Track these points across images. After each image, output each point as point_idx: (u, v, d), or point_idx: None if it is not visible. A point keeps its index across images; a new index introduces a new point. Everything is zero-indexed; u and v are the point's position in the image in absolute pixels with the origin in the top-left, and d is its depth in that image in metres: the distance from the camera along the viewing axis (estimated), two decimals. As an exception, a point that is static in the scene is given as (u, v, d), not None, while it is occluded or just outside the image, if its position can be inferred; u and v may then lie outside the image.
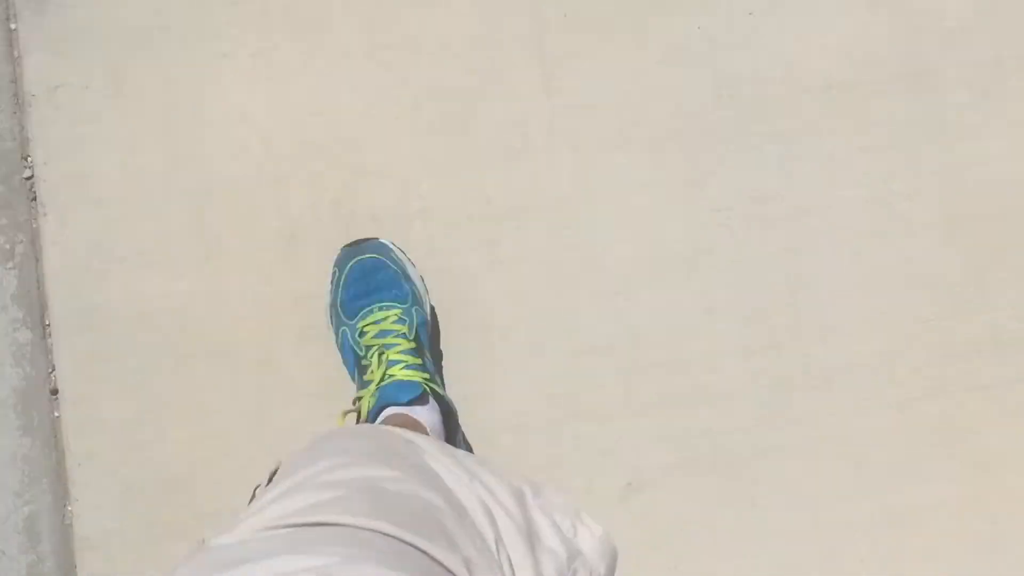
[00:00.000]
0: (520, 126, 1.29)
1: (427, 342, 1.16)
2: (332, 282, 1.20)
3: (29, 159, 1.25)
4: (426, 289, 1.23)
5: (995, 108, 1.31)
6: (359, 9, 1.31)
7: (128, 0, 1.29)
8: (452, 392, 1.16)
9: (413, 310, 1.15)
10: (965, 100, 1.31)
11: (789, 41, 1.32)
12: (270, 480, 0.80)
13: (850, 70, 1.32)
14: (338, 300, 1.17)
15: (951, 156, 1.30)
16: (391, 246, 1.21)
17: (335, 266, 1.20)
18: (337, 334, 1.17)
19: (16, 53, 1.28)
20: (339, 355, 1.18)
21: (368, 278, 1.16)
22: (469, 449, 1.21)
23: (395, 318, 1.13)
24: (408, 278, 1.19)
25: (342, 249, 1.21)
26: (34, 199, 1.25)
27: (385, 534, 0.66)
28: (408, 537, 0.66)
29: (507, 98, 1.30)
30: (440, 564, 0.66)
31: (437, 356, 1.23)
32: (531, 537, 0.76)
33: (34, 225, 1.25)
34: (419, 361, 1.11)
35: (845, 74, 1.32)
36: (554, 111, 1.30)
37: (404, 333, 1.12)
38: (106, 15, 1.29)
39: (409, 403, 1.07)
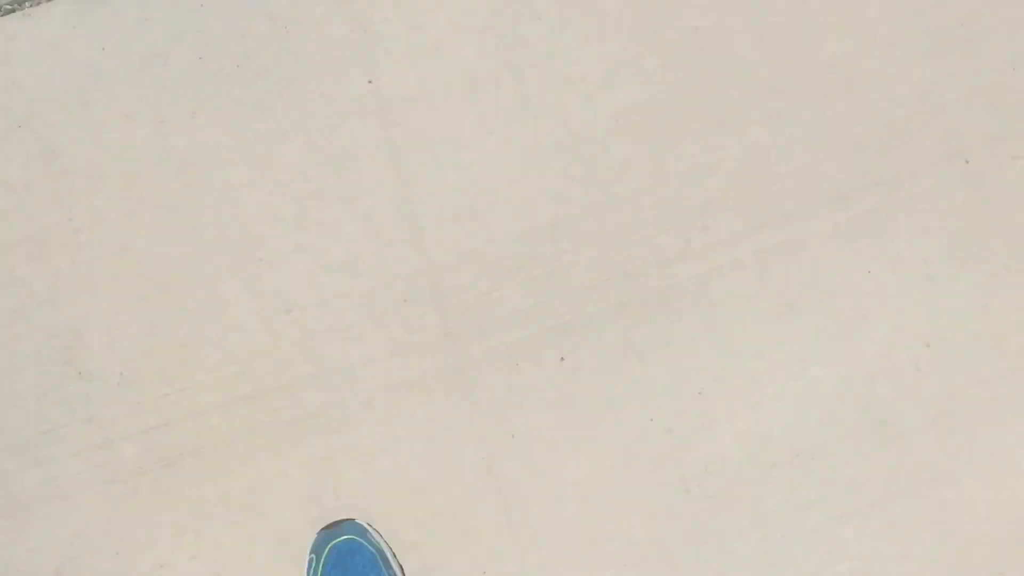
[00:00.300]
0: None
1: None
2: (309, 571, 1.16)
3: None
4: (404, 573, 1.19)
5: (960, 444, 1.29)
6: (298, 482, 1.22)
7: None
8: None
9: None
10: (931, 441, 1.28)
11: (746, 413, 1.28)
12: None
13: (812, 433, 1.28)
14: None
15: (930, 504, 1.27)
16: (368, 528, 1.18)
17: (311, 552, 1.16)
18: None
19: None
20: None
21: (345, 562, 1.14)
22: None
23: None
24: (386, 562, 1.16)
25: (318, 533, 1.17)
26: None
27: None
28: None
29: (468, 540, 1.22)
30: None
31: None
32: None
33: None
34: None
35: (808, 438, 1.28)
36: (525, 546, 1.22)
37: None
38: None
39: None
